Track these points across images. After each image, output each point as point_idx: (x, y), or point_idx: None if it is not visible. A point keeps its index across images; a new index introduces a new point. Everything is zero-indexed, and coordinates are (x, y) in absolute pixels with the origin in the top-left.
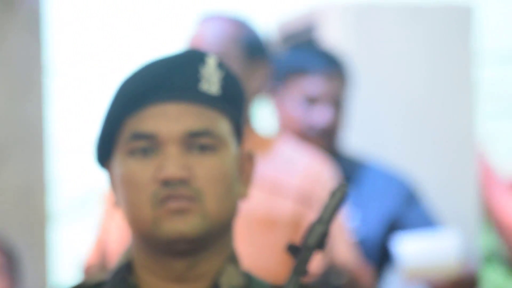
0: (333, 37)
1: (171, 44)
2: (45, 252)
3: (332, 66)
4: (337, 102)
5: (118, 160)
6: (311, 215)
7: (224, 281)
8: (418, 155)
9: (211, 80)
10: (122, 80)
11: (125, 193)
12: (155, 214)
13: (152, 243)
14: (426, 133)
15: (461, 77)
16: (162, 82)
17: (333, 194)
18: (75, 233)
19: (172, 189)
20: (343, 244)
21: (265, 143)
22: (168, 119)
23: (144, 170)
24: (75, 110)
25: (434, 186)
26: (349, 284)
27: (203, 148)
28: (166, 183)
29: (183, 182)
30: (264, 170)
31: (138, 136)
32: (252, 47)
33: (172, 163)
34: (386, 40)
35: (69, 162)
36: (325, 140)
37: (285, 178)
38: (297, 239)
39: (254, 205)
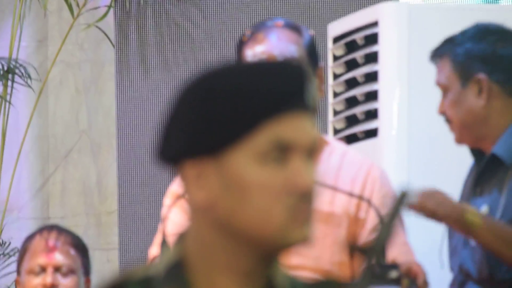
0: (388, 36)
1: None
2: (113, 246)
3: (437, 55)
4: (449, 88)
5: (242, 161)
6: (369, 212)
7: (279, 281)
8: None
9: (311, 91)
10: (251, 80)
11: (251, 197)
12: (287, 223)
13: (260, 246)
14: None
15: None
16: (295, 90)
17: (397, 201)
18: (142, 229)
19: (308, 201)
20: (398, 244)
21: (323, 141)
22: (303, 129)
23: (277, 178)
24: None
25: None
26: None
27: (312, 156)
28: (303, 195)
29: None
30: (327, 167)
31: (281, 143)
32: (311, 52)
33: (309, 174)
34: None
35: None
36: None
37: (345, 176)
38: (353, 230)
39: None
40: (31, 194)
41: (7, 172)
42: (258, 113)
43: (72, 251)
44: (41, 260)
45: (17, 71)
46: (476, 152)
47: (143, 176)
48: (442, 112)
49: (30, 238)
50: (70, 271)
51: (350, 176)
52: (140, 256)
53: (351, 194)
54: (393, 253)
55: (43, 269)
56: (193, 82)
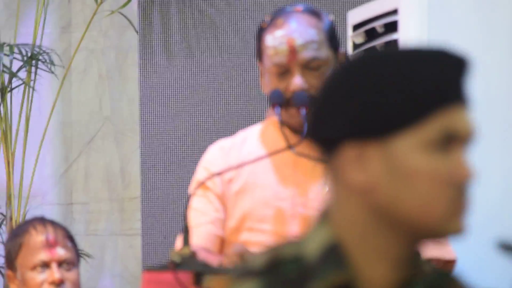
0: (408, 24)
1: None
2: (136, 232)
3: None
4: None
5: (408, 147)
6: None
7: (423, 268)
8: (494, 155)
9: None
10: (425, 67)
11: (415, 184)
12: (447, 213)
13: (416, 234)
14: (505, 130)
15: None
16: (463, 80)
17: None
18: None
19: (465, 193)
20: None
21: None
22: (466, 120)
23: (441, 168)
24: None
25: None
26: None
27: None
28: (463, 186)
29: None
30: None
31: (449, 133)
32: (331, 36)
33: (468, 166)
34: (462, 29)
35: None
36: None
37: None
38: None
39: None
40: (55, 180)
41: (30, 158)
42: (432, 101)
43: (69, 243)
44: (44, 256)
45: (40, 57)
46: None
47: (166, 163)
48: None
49: (22, 233)
50: (72, 264)
51: None
52: (163, 242)
53: None
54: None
55: (45, 265)
56: (355, 64)
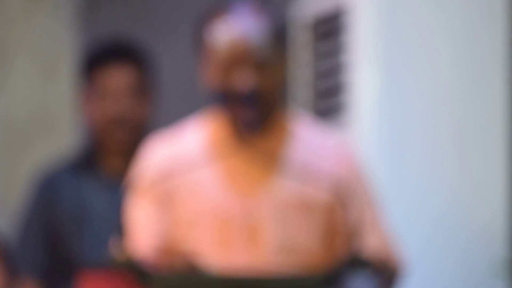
0: (363, 24)
1: None
2: None
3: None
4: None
5: None
6: (345, 200)
7: None
8: (443, 151)
9: None
10: None
11: None
12: None
13: None
14: (454, 128)
15: (496, 69)
16: None
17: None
18: None
19: None
20: (375, 234)
21: (287, 126)
22: None
23: None
24: None
25: (460, 185)
26: (375, 273)
27: None
28: None
29: None
30: (293, 156)
31: None
32: (281, 34)
33: None
34: (418, 27)
35: None
36: None
37: (316, 166)
38: (330, 224)
39: (288, 194)
40: None
41: None
42: None
43: None
44: None
45: None
46: None
47: None
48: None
49: None
50: None
51: (329, 167)
52: None
53: (329, 188)
54: (373, 242)
55: None
56: None
